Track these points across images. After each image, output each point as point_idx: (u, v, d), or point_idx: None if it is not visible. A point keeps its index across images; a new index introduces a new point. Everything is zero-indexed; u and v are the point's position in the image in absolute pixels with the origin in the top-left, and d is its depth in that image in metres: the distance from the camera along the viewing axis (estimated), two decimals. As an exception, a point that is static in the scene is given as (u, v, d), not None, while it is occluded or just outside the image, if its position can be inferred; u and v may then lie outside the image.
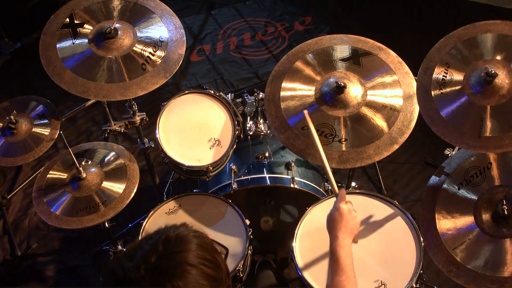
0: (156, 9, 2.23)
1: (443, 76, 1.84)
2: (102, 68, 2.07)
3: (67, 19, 2.16)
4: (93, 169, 2.16)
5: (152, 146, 2.60)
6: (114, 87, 2.05)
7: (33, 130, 2.29)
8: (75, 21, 2.16)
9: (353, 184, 2.59)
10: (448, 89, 1.82)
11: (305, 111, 1.86)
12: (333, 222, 1.54)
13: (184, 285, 0.99)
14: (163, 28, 2.19)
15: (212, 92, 2.39)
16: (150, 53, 2.13)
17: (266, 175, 2.42)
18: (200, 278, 1.01)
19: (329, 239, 1.53)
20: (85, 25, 2.16)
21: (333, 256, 1.46)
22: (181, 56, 2.15)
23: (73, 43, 2.12)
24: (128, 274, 0.99)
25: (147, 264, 1.00)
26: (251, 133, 2.49)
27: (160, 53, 2.13)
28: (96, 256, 2.92)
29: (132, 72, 2.08)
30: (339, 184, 2.99)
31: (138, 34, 2.16)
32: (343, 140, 1.92)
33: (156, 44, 2.15)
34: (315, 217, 2.10)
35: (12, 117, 2.23)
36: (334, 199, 2.11)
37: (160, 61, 2.12)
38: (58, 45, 2.10)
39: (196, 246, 1.04)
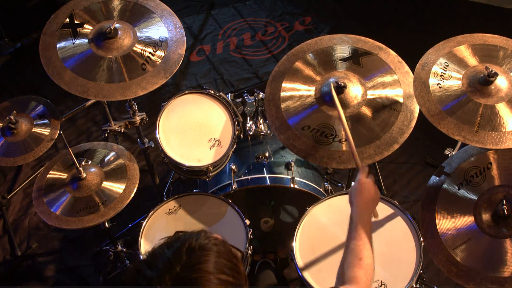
0: (156, 9, 2.23)
1: (442, 72, 1.87)
2: (102, 68, 2.07)
3: (67, 19, 2.15)
4: (93, 169, 2.15)
5: (152, 146, 2.60)
6: (114, 87, 2.05)
7: (33, 130, 2.29)
8: (75, 21, 2.16)
9: (353, 184, 2.58)
10: (446, 84, 1.84)
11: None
12: (354, 193, 1.59)
13: None
14: (163, 28, 2.19)
15: (212, 92, 2.39)
16: (150, 53, 2.13)
17: (266, 175, 2.41)
18: (221, 286, 1.02)
19: (351, 209, 1.57)
20: (85, 25, 2.15)
21: (352, 223, 1.51)
22: (181, 56, 2.14)
23: (73, 43, 2.12)
24: (153, 283, 0.99)
25: (171, 274, 0.99)
26: (251, 133, 2.49)
27: (160, 53, 2.13)
28: (96, 256, 2.92)
29: (132, 72, 2.08)
30: (339, 185, 2.99)
31: (138, 34, 2.16)
32: (344, 140, 1.92)
33: (156, 44, 2.15)
34: (315, 217, 2.10)
35: (12, 117, 2.23)
36: (334, 199, 2.13)
37: (160, 61, 2.12)
38: (58, 45, 2.10)
39: (217, 255, 1.04)
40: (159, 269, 1.00)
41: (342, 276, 1.38)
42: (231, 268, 1.05)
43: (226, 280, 1.03)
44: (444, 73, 1.87)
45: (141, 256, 1.25)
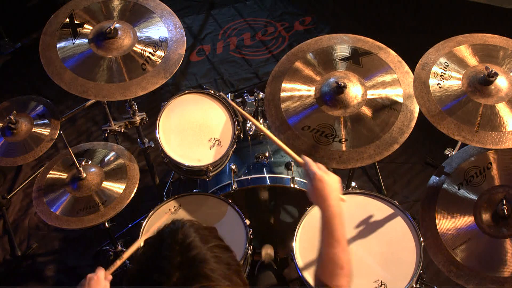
0: (156, 9, 2.23)
1: (442, 72, 1.87)
2: (102, 68, 2.07)
3: (67, 19, 2.16)
4: (93, 169, 2.15)
5: (152, 146, 2.60)
6: (114, 87, 2.05)
7: (33, 130, 2.29)
8: (75, 21, 2.16)
9: (353, 184, 2.59)
10: (446, 84, 1.84)
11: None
12: (318, 192, 1.40)
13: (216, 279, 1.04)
14: (163, 28, 2.19)
15: (212, 92, 2.39)
16: (150, 53, 2.13)
17: (266, 175, 2.41)
18: (214, 253, 1.08)
19: (320, 211, 1.39)
20: (85, 25, 2.15)
21: (327, 227, 1.35)
22: (181, 56, 2.14)
23: (73, 43, 2.12)
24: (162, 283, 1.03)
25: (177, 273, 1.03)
26: (251, 133, 2.49)
27: (160, 53, 2.13)
28: (96, 256, 2.92)
29: (132, 72, 2.08)
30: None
31: (138, 34, 2.16)
32: (343, 140, 1.92)
33: (156, 44, 2.15)
34: (315, 217, 2.09)
35: (12, 117, 2.23)
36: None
37: (160, 61, 2.12)
38: (58, 45, 2.10)
39: (202, 239, 1.10)
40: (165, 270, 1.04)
41: (324, 284, 1.31)
42: (213, 237, 1.14)
43: (216, 245, 1.11)
44: (444, 73, 1.87)
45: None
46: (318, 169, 1.44)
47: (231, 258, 1.12)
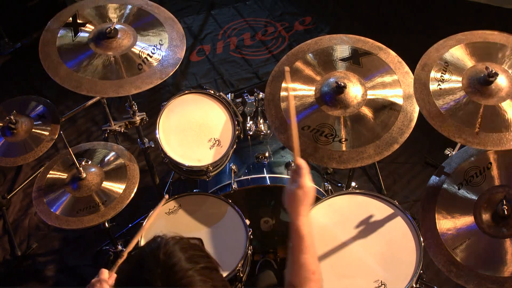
0: (159, 16, 2.24)
1: (442, 72, 1.86)
2: (98, 65, 2.07)
3: (70, 19, 2.17)
4: (93, 169, 2.16)
5: (152, 146, 2.60)
6: (108, 84, 2.05)
7: (33, 130, 2.29)
8: (78, 21, 2.17)
9: (353, 184, 2.59)
10: (446, 85, 1.84)
11: (287, 68, 1.81)
12: (296, 201, 1.43)
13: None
14: (164, 33, 2.20)
15: (212, 92, 2.39)
16: (148, 55, 2.13)
17: (266, 175, 2.41)
18: (202, 276, 1.02)
19: (289, 215, 1.43)
20: (87, 25, 2.17)
21: (297, 234, 1.39)
22: (179, 60, 2.15)
23: (73, 40, 2.12)
24: None
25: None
26: (251, 133, 2.49)
27: (158, 56, 2.13)
28: (96, 256, 2.92)
29: (127, 71, 2.08)
30: (339, 185, 2.99)
31: (138, 37, 2.17)
32: (344, 140, 1.92)
33: (155, 47, 2.15)
34: (315, 217, 2.10)
35: (12, 117, 2.23)
36: (334, 199, 2.13)
37: (157, 63, 2.12)
38: (57, 42, 2.11)
39: (183, 251, 1.05)
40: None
41: None
42: (201, 256, 1.07)
43: (205, 267, 1.04)
44: (444, 74, 1.86)
45: None
46: (308, 179, 1.45)
47: (219, 279, 1.07)
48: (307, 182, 1.44)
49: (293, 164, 2.42)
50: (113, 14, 2.22)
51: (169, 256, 1.03)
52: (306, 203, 1.42)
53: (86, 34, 2.15)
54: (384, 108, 1.96)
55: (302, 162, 1.47)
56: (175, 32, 2.21)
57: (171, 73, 2.11)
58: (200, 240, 1.18)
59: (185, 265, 1.02)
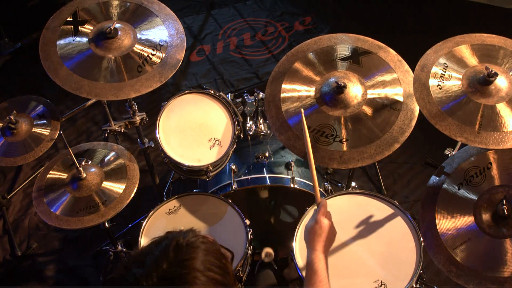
0: (160, 13, 2.23)
1: (442, 72, 1.87)
2: (98, 67, 2.07)
3: (71, 17, 2.16)
4: (93, 169, 2.15)
5: (152, 146, 2.60)
6: (108, 87, 2.04)
7: (33, 130, 2.29)
8: (78, 19, 2.16)
9: (353, 184, 2.59)
10: (446, 84, 1.84)
11: (302, 111, 1.89)
12: (312, 235, 1.55)
13: None
14: (164, 32, 2.19)
15: (212, 92, 2.39)
16: (148, 55, 2.12)
17: (266, 175, 2.41)
18: (208, 284, 1.01)
19: (307, 249, 1.53)
20: (87, 24, 2.16)
21: (311, 267, 1.47)
22: (179, 61, 2.14)
23: (73, 40, 2.12)
24: (140, 281, 0.98)
25: (158, 271, 0.99)
26: (251, 133, 2.49)
27: (158, 57, 2.13)
28: (96, 256, 2.92)
29: (128, 73, 2.08)
30: (339, 185, 2.99)
31: (138, 36, 2.16)
32: (344, 140, 1.92)
33: (156, 47, 2.15)
34: (315, 217, 2.10)
35: (12, 117, 2.23)
36: (334, 199, 2.13)
37: (157, 64, 2.11)
38: (58, 41, 2.10)
39: (205, 252, 1.04)
40: (146, 266, 1.00)
41: None
42: (219, 267, 1.05)
43: (214, 278, 1.02)
44: (444, 74, 1.87)
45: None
46: (324, 217, 1.58)
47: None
48: (324, 219, 1.56)
49: (293, 165, 2.42)
50: (114, 11, 2.21)
51: (188, 246, 1.03)
52: (322, 239, 1.53)
53: (86, 35, 2.14)
54: (384, 107, 1.96)
55: (322, 201, 1.62)
56: (176, 31, 2.20)
57: (170, 76, 2.11)
58: (232, 254, 1.17)
59: (196, 265, 1.02)
